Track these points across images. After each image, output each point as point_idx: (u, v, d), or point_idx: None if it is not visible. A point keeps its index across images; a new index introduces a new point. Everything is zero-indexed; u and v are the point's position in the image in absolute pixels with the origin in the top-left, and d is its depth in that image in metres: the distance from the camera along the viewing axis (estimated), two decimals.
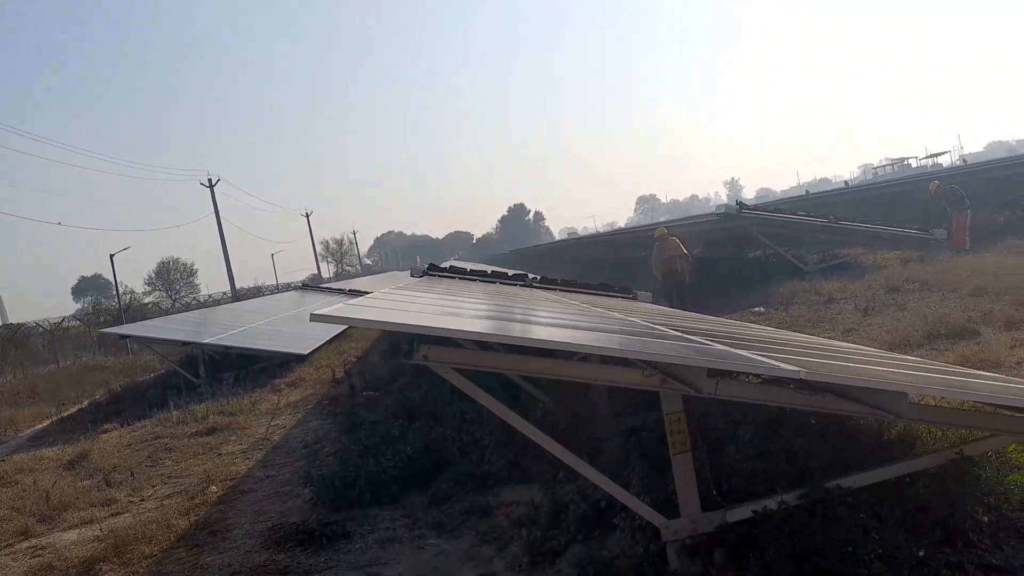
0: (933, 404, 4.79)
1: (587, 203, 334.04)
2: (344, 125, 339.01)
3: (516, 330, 4.22)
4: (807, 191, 37.77)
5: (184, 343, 19.45)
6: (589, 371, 4.30)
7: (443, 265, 18.45)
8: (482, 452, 7.62)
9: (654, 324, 6.40)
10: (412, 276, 16.44)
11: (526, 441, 7.03)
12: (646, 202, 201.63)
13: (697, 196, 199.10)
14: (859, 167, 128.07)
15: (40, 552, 7.85)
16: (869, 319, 13.26)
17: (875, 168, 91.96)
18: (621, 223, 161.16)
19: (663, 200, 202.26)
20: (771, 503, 4.64)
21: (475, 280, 15.92)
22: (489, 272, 18.22)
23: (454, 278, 15.80)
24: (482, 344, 5.62)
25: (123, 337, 22.77)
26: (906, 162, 76.44)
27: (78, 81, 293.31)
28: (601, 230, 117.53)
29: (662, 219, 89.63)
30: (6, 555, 8.05)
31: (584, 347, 3.70)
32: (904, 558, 4.18)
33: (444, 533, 6.39)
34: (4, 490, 11.07)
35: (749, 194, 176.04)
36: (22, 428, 18.05)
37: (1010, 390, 4.19)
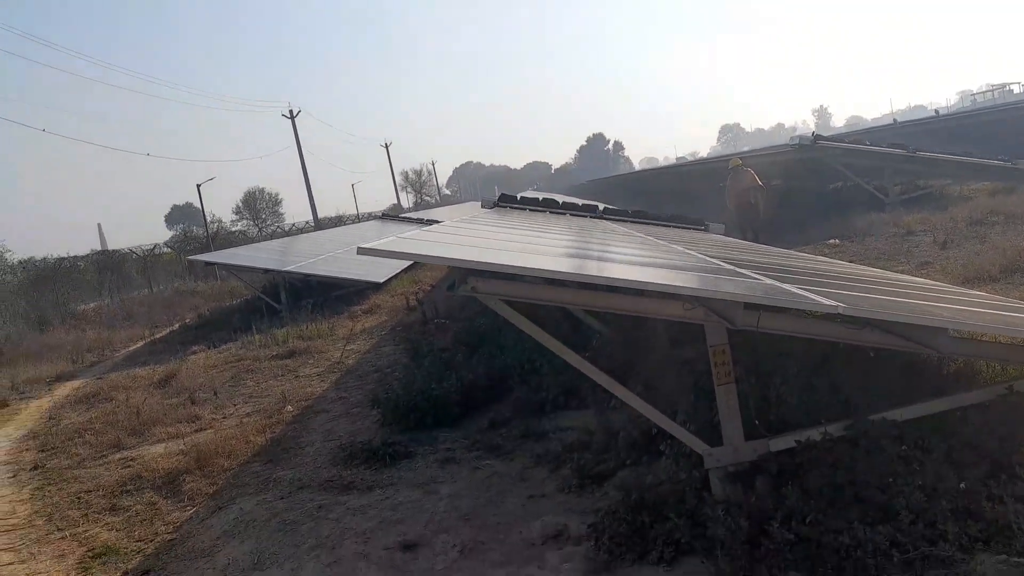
0: (981, 339, 4.74)
1: (669, 133, 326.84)
2: (424, 55, 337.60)
3: (560, 264, 4.34)
4: (895, 120, 36.33)
5: (267, 271, 20.11)
6: (632, 303, 4.39)
7: (516, 196, 18.54)
8: (541, 379, 7.84)
9: (710, 257, 6.44)
10: (483, 207, 16.62)
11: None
12: (729, 131, 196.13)
13: (783, 125, 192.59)
14: (957, 93, 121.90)
15: (130, 463, 8.43)
16: (947, 252, 12.94)
17: (974, 95, 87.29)
18: (703, 153, 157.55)
19: (747, 129, 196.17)
20: (814, 434, 4.72)
21: (543, 211, 16.01)
22: (560, 203, 18.23)
23: (523, 209, 15.93)
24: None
25: (209, 264, 23.61)
26: (1008, 88, 72.29)
27: (162, 14, 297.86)
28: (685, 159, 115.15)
29: (745, 148, 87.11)
30: (100, 465, 8.68)
31: (623, 280, 3.79)
32: (944, 490, 4.23)
33: (500, 455, 6.65)
34: (101, 406, 11.81)
35: (839, 123, 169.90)
36: (118, 349, 19.02)
37: None
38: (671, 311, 4.35)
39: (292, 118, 61.40)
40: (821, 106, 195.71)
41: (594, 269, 4.13)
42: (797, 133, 29.88)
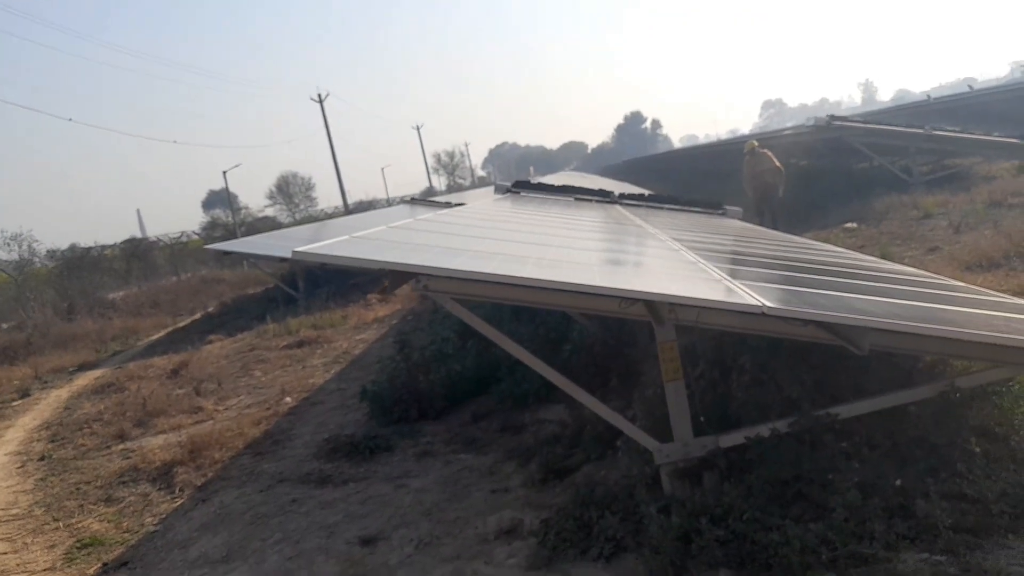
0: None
1: (710, 109, 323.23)
2: (458, 35, 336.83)
3: (506, 266, 4.39)
4: (928, 96, 35.57)
5: (282, 259, 20.33)
6: (570, 300, 4.44)
7: (530, 181, 18.55)
8: (526, 371, 7.88)
9: (686, 250, 6.43)
10: (495, 193, 16.67)
11: (563, 362, 7.31)
12: (771, 106, 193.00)
13: (827, 99, 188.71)
14: (1009, 64, 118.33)
15: (130, 454, 8.66)
16: (960, 236, 12.73)
17: None
18: (745, 130, 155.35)
19: (790, 104, 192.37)
20: (763, 430, 4.74)
21: (558, 197, 16.01)
22: (575, 189, 18.22)
23: (537, 195, 15.96)
24: None
25: (226, 253, 23.92)
26: None
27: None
28: (723, 137, 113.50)
29: (789, 124, 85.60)
30: (103, 455, 8.93)
31: (551, 282, 3.84)
32: (881, 487, 4.24)
33: (475, 449, 6.74)
34: (114, 396, 12.12)
35: (885, 96, 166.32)
36: (141, 337, 19.43)
37: (993, 323, 4.11)
38: (608, 307, 4.38)
39: (321, 102, 61.72)
40: (867, 80, 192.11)
41: (531, 271, 4.16)
42: (814, 115, 29.32)
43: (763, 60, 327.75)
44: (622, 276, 4.71)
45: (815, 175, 22.98)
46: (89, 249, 31.61)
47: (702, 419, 4.82)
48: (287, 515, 5.99)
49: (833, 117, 21.29)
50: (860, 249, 11.86)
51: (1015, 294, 7.23)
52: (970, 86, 36.36)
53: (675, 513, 4.28)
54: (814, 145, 23.71)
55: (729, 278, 4.84)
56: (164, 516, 6.68)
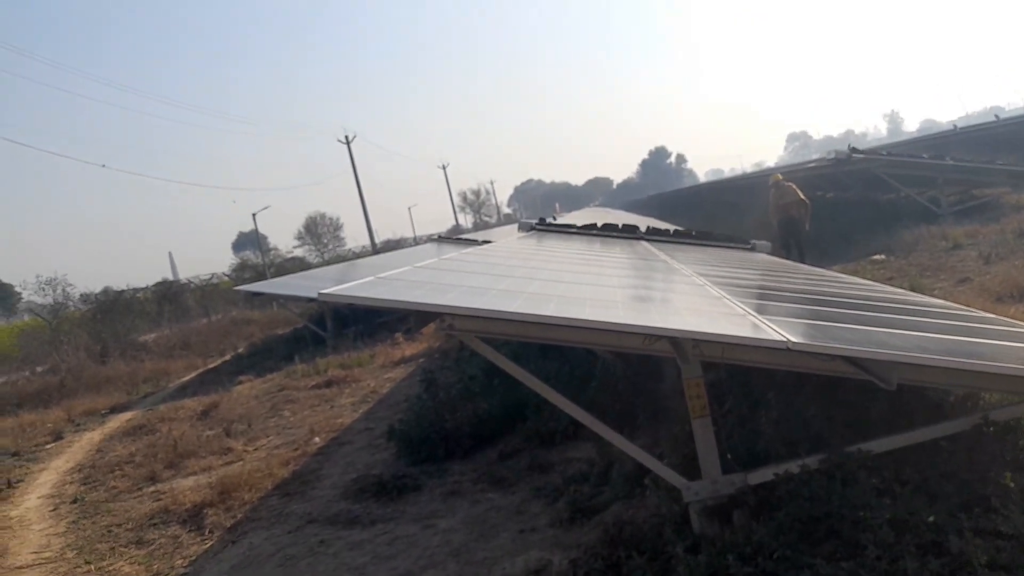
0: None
1: (734, 143, 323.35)
2: (480, 75, 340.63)
3: (530, 304, 4.41)
4: (954, 125, 35.32)
5: (310, 299, 20.50)
6: (595, 337, 4.45)
7: (559, 221, 18.60)
8: (553, 409, 7.87)
9: (712, 286, 6.43)
10: (520, 230, 16.73)
11: (590, 399, 7.29)
12: (797, 139, 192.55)
13: (853, 131, 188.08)
14: None
15: (161, 496, 8.71)
16: (990, 267, 12.61)
17: None
18: (770, 163, 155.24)
19: (815, 137, 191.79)
20: (793, 466, 4.69)
21: (582, 234, 16.04)
22: (600, 225, 18.25)
23: (561, 232, 15.99)
24: None
25: (256, 294, 24.17)
26: None
27: (213, 45, 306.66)
28: (748, 171, 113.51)
29: (815, 156, 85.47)
30: (134, 497, 9.00)
31: (575, 320, 3.86)
32: (914, 523, 4.17)
33: (503, 488, 6.72)
34: (145, 438, 12.23)
35: (911, 126, 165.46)
36: (172, 379, 19.63)
37: (1021, 355, 4.06)
38: (633, 343, 4.39)
39: (348, 143, 62.55)
40: (892, 110, 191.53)
41: (555, 309, 4.19)
42: (833, 148, 29.29)
43: (788, 92, 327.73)
44: (646, 313, 4.72)
45: (842, 207, 22.89)
46: (122, 292, 32.04)
47: (730, 456, 4.78)
48: (316, 556, 6.00)
49: (854, 149, 21.27)
50: (888, 281, 11.78)
51: None
52: (996, 115, 36.07)
53: (704, 552, 4.23)
54: (840, 177, 23.69)
55: (754, 313, 4.83)
56: (194, 558, 6.71)
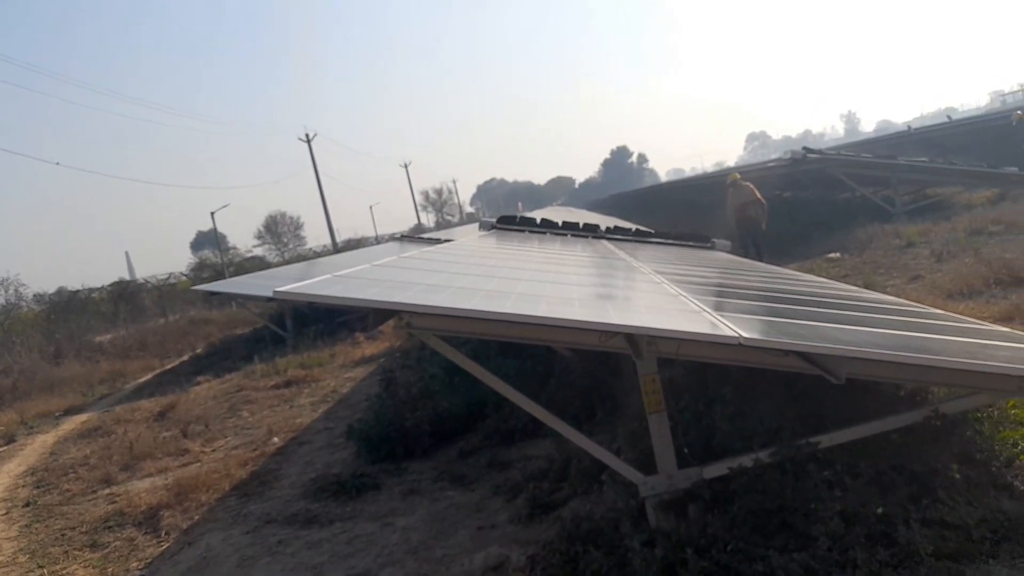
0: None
1: (695, 143, 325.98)
2: (444, 72, 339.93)
3: (487, 302, 4.42)
4: (908, 126, 36.00)
5: (269, 299, 20.30)
6: (551, 334, 4.47)
7: (516, 216, 18.61)
8: (513, 407, 7.89)
9: (668, 283, 6.49)
10: (480, 229, 16.71)
11: (549, 396, 7.32)
12: (756, 139, 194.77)
13: (811, 131, 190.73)
14: (988, 94, 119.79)
15: (116, 499, 8.58)
16: (941, 265, 12.86)
17: (1004, 95, 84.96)
18: (730, 162, 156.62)
19: (774, 137, 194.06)
20: (747, 460, 4.76)
21: (543, 232, 16.07)
22: (560, 224, 18.30)
23: (522, 231, 16.01)
24: None
25: (214, 293, 23.90)
26: None
27: (172, 41, 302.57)
28: (709, 170, 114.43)
29: (774, 156, 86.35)
30: (89, 500, 8.86)
31: (532, 317, 3.88)
32: (864, 515, 4.26)
33: (462, 485, 6.73)
34: (100, 440, 12.04)
35: (868, 127, 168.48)
36: (129, 380, 19.31)
37: (971, 350, 4.16)
38: (588, 340, 4.41)
39: (308, 142, 62.11)
40: (850, 111, 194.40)
41: (512, 306, 4.20)
42: (791, 148, 29.73)
43: (749, 93, 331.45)
44: (602, 310, 4.74)
45: (799, 206, 23.23)
46: (77, 292, 31.51)
47: (686, 451, 4.83)
48: (274, 556, 5.96)
49: (808, 150, 21.69)
50: (843, 279, 11.97)
51: (996, 321, 7.31)
52: (949, 116, 36.87)
53: (660, 545, 4.28)
54: (798, 177, 24.03)
55: (710, 310, 4.89)
56: (150, 561, 6.62)
